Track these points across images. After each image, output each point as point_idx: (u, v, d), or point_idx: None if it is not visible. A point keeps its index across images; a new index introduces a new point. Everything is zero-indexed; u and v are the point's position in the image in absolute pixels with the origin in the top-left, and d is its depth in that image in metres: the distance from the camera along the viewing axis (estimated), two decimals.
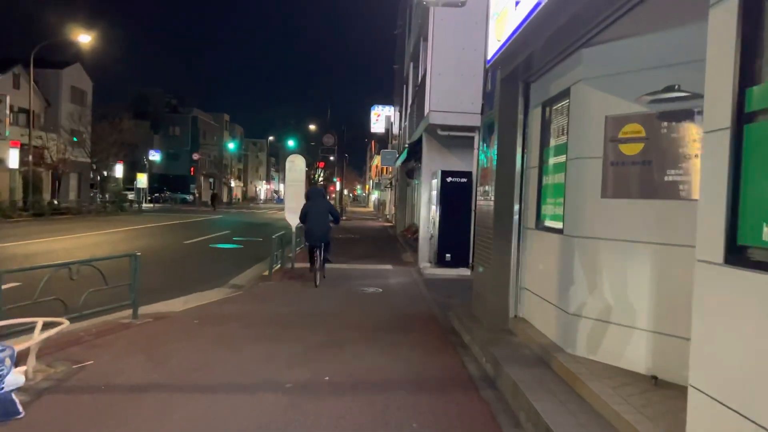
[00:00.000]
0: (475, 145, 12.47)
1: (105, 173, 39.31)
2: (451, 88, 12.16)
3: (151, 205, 47.59)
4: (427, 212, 13.53)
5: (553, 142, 5.66)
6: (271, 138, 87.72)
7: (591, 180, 4.75)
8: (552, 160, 5.65)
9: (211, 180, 72.33)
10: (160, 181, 64.77)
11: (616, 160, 4.62)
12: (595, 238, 4.72)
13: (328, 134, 31.51)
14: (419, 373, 5.33)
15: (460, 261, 12.28)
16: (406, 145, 15.06)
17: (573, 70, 5.01)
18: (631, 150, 4.53)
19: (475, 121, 12.26)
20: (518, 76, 6.16)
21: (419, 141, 14.12)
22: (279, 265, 12.17)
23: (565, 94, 5.24)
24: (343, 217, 38.17)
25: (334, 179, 45.23)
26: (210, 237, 21.01)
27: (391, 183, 38.15)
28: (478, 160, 12.71)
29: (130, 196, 50.25)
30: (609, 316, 4.62)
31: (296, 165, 12.78)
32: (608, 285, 4.63)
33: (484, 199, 6.88)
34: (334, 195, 42.02)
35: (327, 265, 10.66)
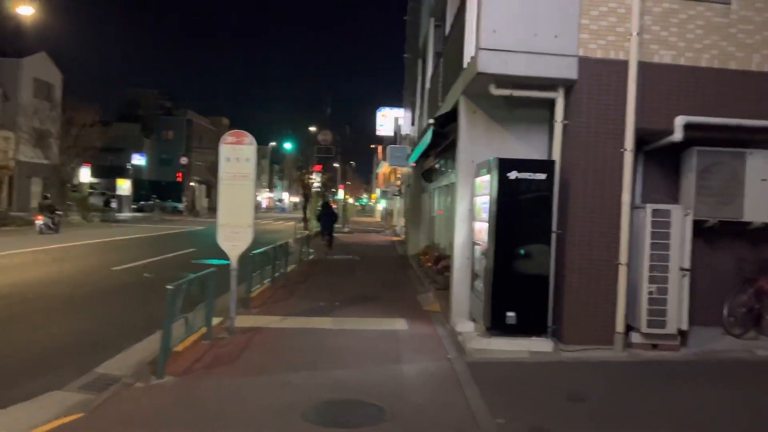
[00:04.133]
0: (558, 115, 6.96)
1: (67, 178, 33.85)
2: (518, 9, 6.69)
3: (132, 214, 41.98)
4: (467, 232, 7.98)
5: None
6: (272, 144, 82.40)
7: None
8: None
9: (204, 187, 67.01)
10: (150, 188, 59.34)
11: None
12: None
13: (324, 131, 25.69)
14: None
15: (532, 324, 6.73)
16: (430, 122, 9.55)
17: None
18: None
19: (562, 69, 6.72)
20: None
21: (451, 115, 8.56)
22: (203, 330, 6.70)
23: None
24: (346, 229, 33.51)
25: (335, 194, 39.54)
26: (161, 258, 15.56)
27: (400, 190, 32.56)
28: (561, 138, 7.21)
29: (113, 204, 45.09)
30: None
31: (241, 151, 7.25)
32: None
33: None
34: (335, 207, 36.60)
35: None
